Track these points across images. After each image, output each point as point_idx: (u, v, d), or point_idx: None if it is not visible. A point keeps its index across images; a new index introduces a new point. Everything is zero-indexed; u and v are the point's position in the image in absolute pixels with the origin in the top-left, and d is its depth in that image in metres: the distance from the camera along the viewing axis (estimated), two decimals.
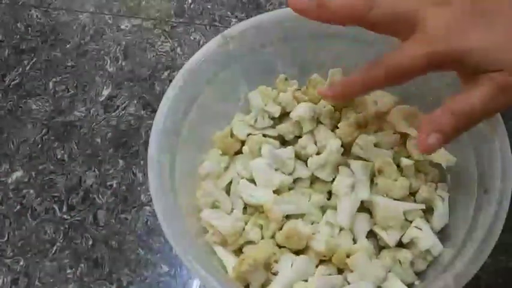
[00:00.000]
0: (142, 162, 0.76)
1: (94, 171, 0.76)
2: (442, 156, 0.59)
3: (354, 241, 0.56)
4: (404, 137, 0.60)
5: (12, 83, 0.85)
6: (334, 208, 0.58)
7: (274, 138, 0.63)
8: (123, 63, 0.85)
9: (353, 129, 0.59)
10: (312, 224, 0.58)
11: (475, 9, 0.44)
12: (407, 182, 0.57)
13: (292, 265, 0.55)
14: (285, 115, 0.64)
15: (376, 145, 0.59)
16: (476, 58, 0.44)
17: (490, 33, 0.44)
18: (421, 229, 0.56)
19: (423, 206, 0.57)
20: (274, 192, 0.58)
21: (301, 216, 0.58)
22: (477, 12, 0.44)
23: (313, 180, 0.61)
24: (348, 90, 0.54)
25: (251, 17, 0.63)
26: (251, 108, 0.64)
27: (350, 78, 0.52)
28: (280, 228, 0.58)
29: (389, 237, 0.56)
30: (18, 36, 0.90)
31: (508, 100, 0.45)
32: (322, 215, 0.59)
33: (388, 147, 0.60)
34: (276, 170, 0.60)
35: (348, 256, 0.54)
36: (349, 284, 0.54)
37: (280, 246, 0.57)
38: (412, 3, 0.47)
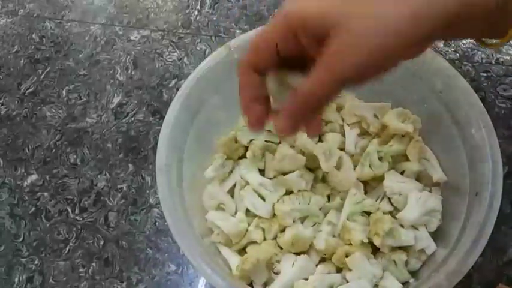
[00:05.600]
0: (151, 166, 0.76)
1: (105, 174, 0.77)
2: (436, 173, 0.60)
3: (353, 241, 0.57)
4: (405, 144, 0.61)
5: (28, 91, 0.86)
6: (334, 209, 0.58)
7: (277, 144, 0.63)
8: (133, 72, 0.86)
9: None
10: (314, 225, 0.58)
11: None
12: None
13: (293, 265, 0.56)
14: None
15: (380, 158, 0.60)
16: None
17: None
18: (417, 229, 0.57)
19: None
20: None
21: (304, 218, 0.59)
22: None
23: (314, 183, 0.61)
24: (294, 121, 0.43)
25: (254, 28, 0.64)
26: None
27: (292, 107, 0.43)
28: (282, 230, 0.58)
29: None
30: (33, 47, 0.91)
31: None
32: (324, 215, 0.59)
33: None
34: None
35: (346, 256, 0.55)
36: (347, 282, 0.54)
37: (281, 247, 0.58)
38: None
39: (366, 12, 0.37)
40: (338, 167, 0.60)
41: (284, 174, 0.60)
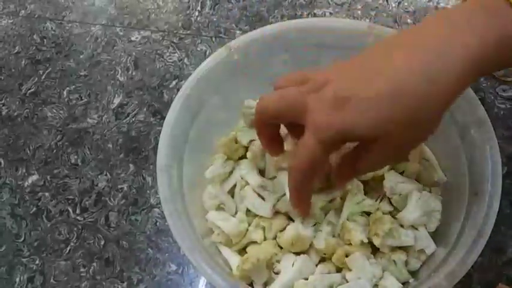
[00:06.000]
0: (151, 166, 0.76)
1: (106, 175, 0.77)
2: (436, 173, 0.60)
3: (353, 241, 0.57)
4: None
5: (29, 91, 0.86)
6: (334, 209, 0.58)
7: None
8: (134, 73, 0.86)
9: None
10: (314, 225, 0.58)
11: (337, 96, 0.44)
12: None
13: (293, 264, 0.56)
14: None
15: None
16: (358, 133, 0.44)
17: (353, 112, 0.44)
18: (417, 229, 0.57)
19: None
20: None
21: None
22: (339, 99, 0.44)
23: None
24: (302, 204, 0.54)
25: (255, 29, 0.64)
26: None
27: (292, 194, 0.52)
28: (282, 230, 0.58)
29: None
30: (34, 48, 0.91)
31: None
32: (324, 215, 0.59)
33: None
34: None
35: (346, 256, 0.55)
36: (347, 282, 0.54)
37: (281, 247, 0.58)
38: (293, 93, 0.48)
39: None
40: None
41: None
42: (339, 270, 0.56)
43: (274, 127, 0.53)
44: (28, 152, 0.80)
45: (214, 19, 0.90)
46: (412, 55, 0.43)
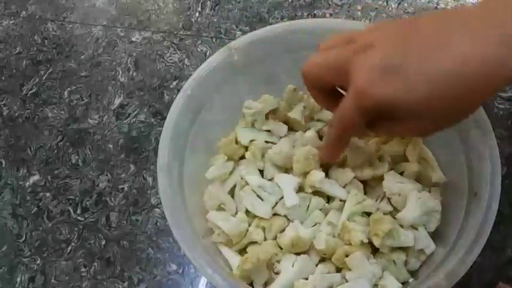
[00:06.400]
0: (152, 167, 0.76)
1: (107, 175, 0.77)
2: (435, 173, 0.59)
3: (353, 241, 0.57)
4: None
5: (30, 92, 0.86)
6: (334, 209, 0.58)
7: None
8: (134, 74, 0.86)
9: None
10: (315, 225, 0.58)
11: (384, 64, 0.43)
12: None
13: (293, 265, 0.56)
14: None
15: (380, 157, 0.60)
16: (402, 107, 0.43)
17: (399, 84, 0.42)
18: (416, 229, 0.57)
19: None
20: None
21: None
22: (386, 68, 0.42)
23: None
24: (333, 152, 0.55)
25: (255, 30, 0.64)
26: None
27: (328, 142, 0.53)
28: (282, 230, 0.58)
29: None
30: (35, 48, 0.91)
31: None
32: (324, 216, 0.59)
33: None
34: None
35: (346, 256, 0.55)
36: (347, 281, 0.54)
37: (281, 247, 0.58)
38: (338, 53, 0.47)
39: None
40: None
41: (285, 170, 0.61)
42: (339, 270, 0.56)
43: (324, 85, 0.51)
44: (29, 152, 0.80)
45: (215, 20, 0.90)
46: (479, 38, 0.41)
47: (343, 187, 0.59)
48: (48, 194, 0.76)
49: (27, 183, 0.77)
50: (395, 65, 0.42)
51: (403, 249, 0.56)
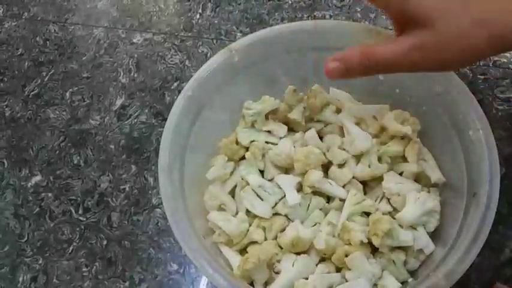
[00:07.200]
0: (153, 167, 0.76)
1: (108, 175, 0.77)
2: (435, 174, 0.60)
3: (352, 241, 0.57)
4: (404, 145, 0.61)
5: (32, 93, 0.86)
6: (334, 209, 0.59)
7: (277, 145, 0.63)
8: (135, 75, 0.86)
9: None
10: (315, 225, 0.58)
11: None
12: None
13: (293, 264, 0.56)
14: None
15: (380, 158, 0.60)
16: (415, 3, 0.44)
17: None
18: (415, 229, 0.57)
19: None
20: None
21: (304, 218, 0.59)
22: None
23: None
24: (347, 67, 0.50)
25: (255, 31, 0.64)
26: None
27: (348, 54, 0.49)
28: (282, 230, 0.58)
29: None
30: (37, 50, 0.91)
31: (419, 59, 0.45)
32: (324, 215, 0.59)
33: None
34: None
35: (346, 256, 0.55)
36: (347, 281, 0.54)
37: (282, 247, 0.58)
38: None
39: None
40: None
41: (285, 171, 0.61)
42: (338, 270, 0.56)
43: None
44: (31, 153, 0.80)
45: (215, 21, 0.90)
46: None
47: (343, 187, 0.60)
48: (50, 194, 0.76)
49: (29, 184, 0.77)
50: None
51: (403, 249, 0.56)
